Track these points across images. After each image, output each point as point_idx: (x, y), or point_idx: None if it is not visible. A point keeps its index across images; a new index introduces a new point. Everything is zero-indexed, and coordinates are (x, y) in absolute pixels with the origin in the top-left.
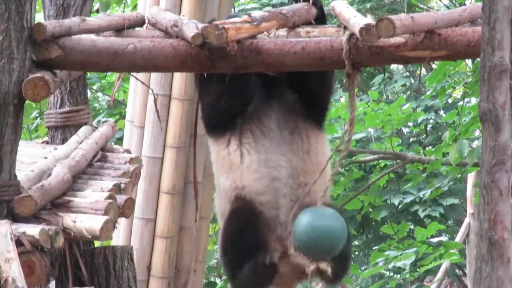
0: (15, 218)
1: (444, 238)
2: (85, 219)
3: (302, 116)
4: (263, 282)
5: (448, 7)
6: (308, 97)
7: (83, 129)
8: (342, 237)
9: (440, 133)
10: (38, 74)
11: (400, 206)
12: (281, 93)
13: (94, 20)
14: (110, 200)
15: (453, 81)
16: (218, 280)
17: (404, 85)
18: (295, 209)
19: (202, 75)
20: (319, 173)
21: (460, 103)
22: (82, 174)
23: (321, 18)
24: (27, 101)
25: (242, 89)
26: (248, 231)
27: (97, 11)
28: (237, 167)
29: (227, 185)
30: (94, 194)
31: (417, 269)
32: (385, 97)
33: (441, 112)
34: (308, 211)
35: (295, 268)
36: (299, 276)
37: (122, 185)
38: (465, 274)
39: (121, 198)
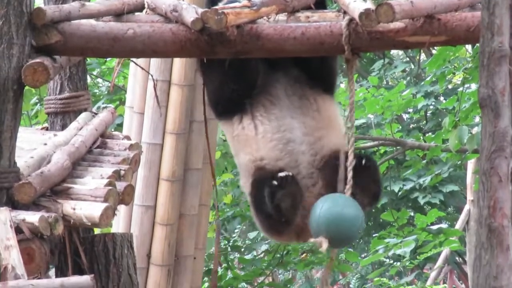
0: (14, 205)
1: (444, 225)
2: (84, 206)
3: (308, 85)
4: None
5: None
6: (313, 71)
7: (83, 115)
8: (360, 225)
9: (440, 119)
10: (37, 60)
11: (400, 193)
12: (284, 65)
13: (94, 5)
14: (110, 187)
15: (453, 66)
16: (218, 268)
17: (404, 71)
18: (317, 161)
19: (204, 62)
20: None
21: (460, 89)
22: (81, 161)
23: (320, 3)
24: (27, 87)
25: (244, 74)
26: (273, 193)
27: None
28: (252, 138)
29: (246, 160)
30: (93, 181)
31: (417, 257)
32: (385, 82)
33: (441, 98)
34: (325, 198)
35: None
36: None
37: (122, 172)
38: (465, 262)
39: (120, 185)
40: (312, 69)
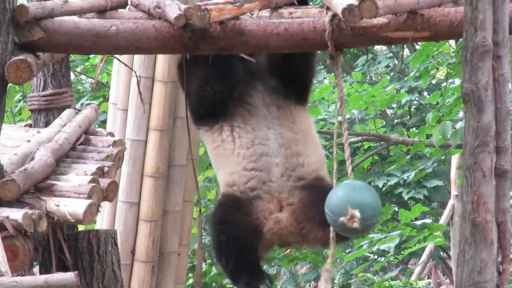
0: None
1: (428, 220)
2: (68, 203)
3: (283, 95)
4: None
5: None
6: (289, 79)
7: (66, 112)
8: (380, 209)
9: (423, 115)
10: (20, 57)
11: (384, 188)
12: (260, 73)
13: (77, 1)
14: (94, 184)
15: (436, 62)
16: (202, 264)
17: (387, 66)
18: (294, 177)
19: (185, 63)
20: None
21: (444, 84)
22: (65, 158)
23: None
24: (10, 84)
25: (226, 72)
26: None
27: None
28: (229, 156)
29: (222, 180)
30: (77, 177)
31: (402, 252)
32: (368, 78)
33: (425, 93)
34: (343, 185)
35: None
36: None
37: (106, 169)
38: (449, 257)
39: (104, 182)
40: (288, 77)
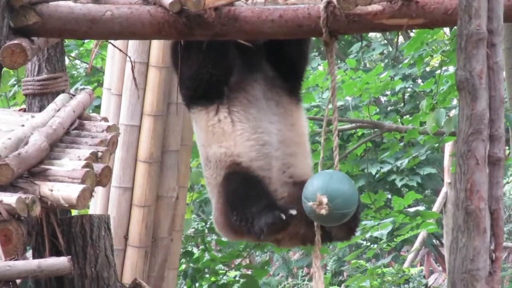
0: None
1: (421, 207)
2: (62, 188)
3: (282, 90)
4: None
5: None
6: (284, 69)
7: (61, 97)
8: (355, 201)
9: (417, 102)
10: (15, 41)
11: (377, 176)
12: (260, 65)
13: None
14: (87, 169)
15: (430, 49)
16: (195, 249)
17: (381, 53)
18: (287, 174)
19: (181, 46)
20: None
21: (438, 71)
22: (59, 142)
23: None
24: (5, 69)
25: (222, 57)
26: (249, 185)
27: None
28: (229, 134)
29: (220, 153)
30: (71, 162)
31: (394, 239)
32: (362, 65)
33: (419, 80)
34: (321, 173)
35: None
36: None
37: (99, 154)
38: (442, 244)
39: (98, 167)
40: (283, 65)
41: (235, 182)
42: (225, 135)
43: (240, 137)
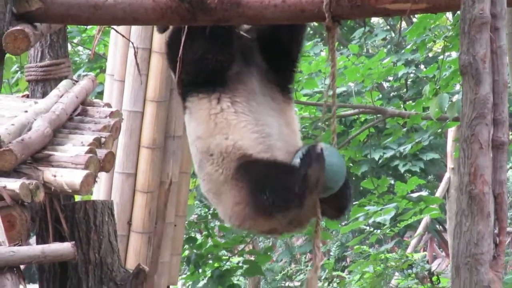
0: None
1: (424, 193)
2: (65, 173)
3: (275, 85)
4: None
5: None
6: (277, 61)
7: (64, 83)
8: (341, 177)
9: (420, 87)
10: (18, 27)
11: (380, 161)
12: (255, 58)
13: None
14: (91, 154)
15: (433, 34)
16: (198, 235)
17: (384, 39)
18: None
19: (183, 32)
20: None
21: (441, 57)
22: (62, 128)
23: None
24: (8, 55)
25: (227, 43)
26: (276, 163)
27: None
28: (234, 126)
29: (228, 145)
30: (74, 148)
31: (397, 224)
32: (365, 51)
33: (422, 66)
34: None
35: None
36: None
37: (103, 139)
38: (445, 229)
39: (101, 152)
40: (275, 55)
41: (257, 166)
42: (230, 127)
43: (245, 130)
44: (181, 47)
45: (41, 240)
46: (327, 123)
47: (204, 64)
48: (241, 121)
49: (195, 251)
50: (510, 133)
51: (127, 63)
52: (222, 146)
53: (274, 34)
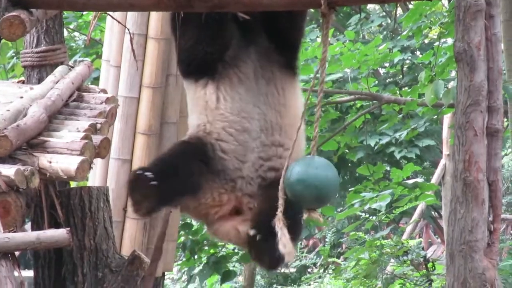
0: None
1: (420, 179)
2: (60, 160)
3: (277, 63)
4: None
5: None
6: (280, 38)
7: (59, 69)
8: (336, 186)
9: (416, 74)
10: (14, 13)
11: (376, 147)
12: (256, 37)
13: None
14: (86, 141)
15: (429, 21)
16: (194, 222)
17: (380, 25)
18: (264, 168)
19: (177, 20)
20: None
21: (436, 43)
22: (58, 114)
23: None
24: (3, 40)
25: (219, 34)
26: (187, 160)
27: None
28: (210, 110)
29: (195, 124)
30: (70, 134)
31: (393, 211)
32: (361, 37)
33: (417, 52)
34: (302, 160)
35: (233, 229)
36: (235, 238)
37: (98, 125)
38: (440, 216)
39: (97, 138)
40: (278, 34)
41: (178, 145)
42: (207, 110)
43: (220, 117)
44: (177, 34)
45: (36, 226)
46: (323, 109)
47: (194, 55)
48: (220, 107)
49: (190, 237)
50: (505, 120)
51: (123, 49)
52: (193, 123)
53: (277, 13)
